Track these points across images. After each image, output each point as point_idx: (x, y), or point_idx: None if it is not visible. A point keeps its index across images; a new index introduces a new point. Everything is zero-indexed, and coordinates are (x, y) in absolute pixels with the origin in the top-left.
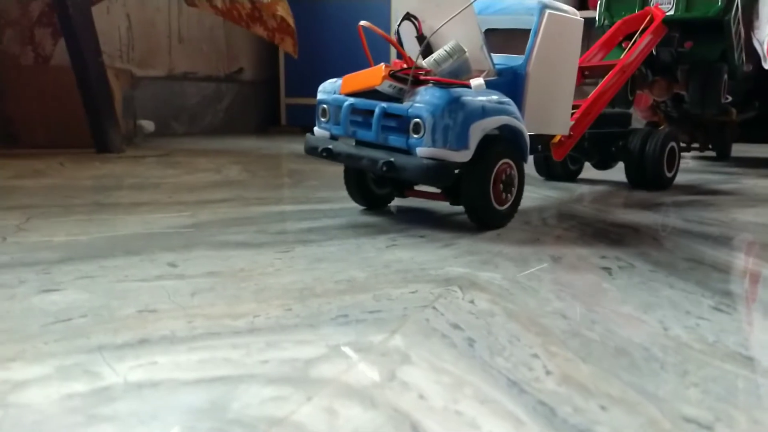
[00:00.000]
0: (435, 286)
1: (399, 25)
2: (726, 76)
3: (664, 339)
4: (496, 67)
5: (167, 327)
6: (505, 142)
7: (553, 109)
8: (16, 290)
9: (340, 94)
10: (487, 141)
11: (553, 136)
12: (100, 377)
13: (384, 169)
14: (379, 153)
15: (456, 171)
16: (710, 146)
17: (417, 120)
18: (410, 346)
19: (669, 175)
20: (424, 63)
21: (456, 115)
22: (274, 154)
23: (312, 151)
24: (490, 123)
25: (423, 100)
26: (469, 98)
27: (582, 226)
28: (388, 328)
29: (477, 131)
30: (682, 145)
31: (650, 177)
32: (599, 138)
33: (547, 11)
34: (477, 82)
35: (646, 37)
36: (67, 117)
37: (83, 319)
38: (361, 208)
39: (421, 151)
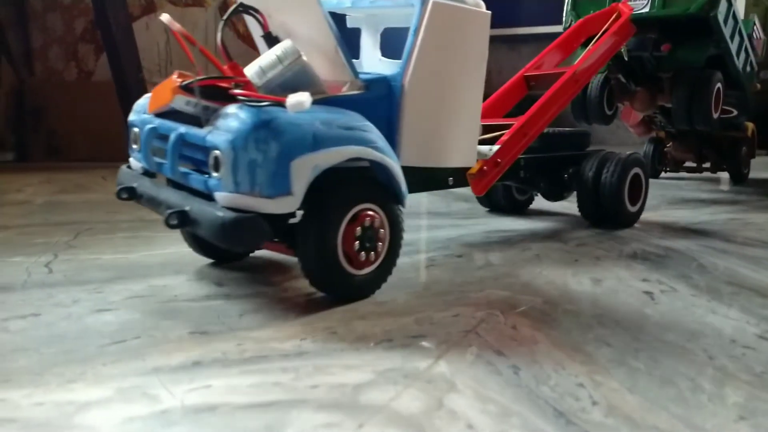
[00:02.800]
0: (476, 310)
1: (225, 22)
2: (719, 86)
3: (710, 369)
4: (364, 77)
5: (219, 349)
6: (364, 182)
7: (445, 134)
8: (71, 310)
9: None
10: (337, 179)
11: (462, 169)
12: (158, 400)
13: (173, 222)
14: (178, 198)
15: (270, 228)
16: (724, 167)
17: (216, 152)
18: (455, 373)
19: (632, 209)
20: (246, 71)
21: (267, 147)
22: None
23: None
24: (328, 157)
25: (223, 125)
26: (289, 122)
27: (621, 246)
28: (432, 353)
29: (304, 169)
30: (691, 165)
31: (607, 211)
32: (544, 164)
33: (432, 2)
34: (295, 99)
35: (608, 39)
36: (107, 131)
37: (137, 341)
38: None
39: (220, 197)
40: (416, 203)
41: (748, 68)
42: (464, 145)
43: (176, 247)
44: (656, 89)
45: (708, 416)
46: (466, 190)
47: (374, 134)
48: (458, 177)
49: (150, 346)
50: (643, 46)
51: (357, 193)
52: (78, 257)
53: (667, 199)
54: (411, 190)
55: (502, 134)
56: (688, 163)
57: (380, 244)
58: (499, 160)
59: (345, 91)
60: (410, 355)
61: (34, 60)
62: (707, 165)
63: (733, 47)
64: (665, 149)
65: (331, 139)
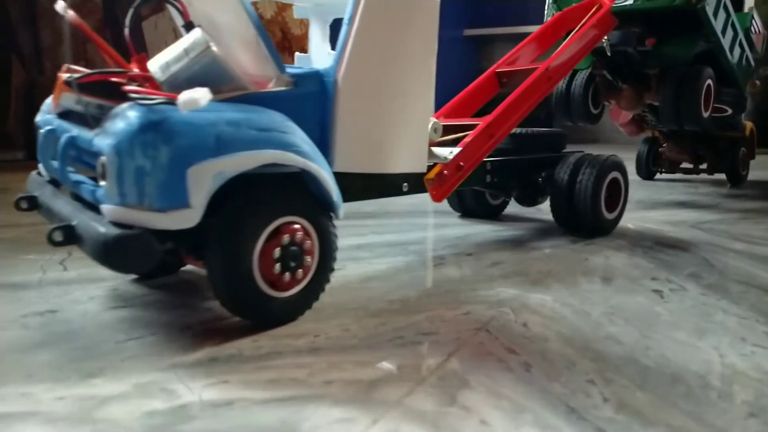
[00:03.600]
0: (487, 308)
1: (135, 10)
2: (709, 83)
3: (720, 367)
4: (293, 71)
5: (234, 346)
6: (289, 191)
7: (388, 136)
8: (87, 306)
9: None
10: (256, 187)
11: (419, 174)
12: (176, 395)
13: (57, 239)
14: (70, 210)
15: (162, 248)
16: (722, 168)
17: (102, 158)
18: (467, 370)
19: (609, 216)
20: (149, 66)
21: (156, 152)
22: None
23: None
24: (236, 163)
25: (110, 128)
26: (186, 123)
27: (631, 245)
28: (444, 351)
29: (204, 177)
30: (688, 166)
31: (582, 218)
32: (514, 167)
33: None
34: (188, 96)
35: (586, 32)
36: None
37: (153, 337)
38: (409, 222)
39: (105, 210)
40: (422, 202)
41: (744, 64)
42: (411, 148)
43: None
44: (643, 87)
45: (718, 413)
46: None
47: (297, 136)
48: (414, 182)
49: (166, 342)
50: (627, 41)
51: (278, 204)
52: None
53: (673, 200)
54: (360, 198)
55: (467, 135)
56: (684, 165)
57: (308, 260)
58: (461, 163)
59: (271, 87)
60: (422, 352)
61: (44, 59)
62: (704, 166)
63: (726, 41)
64: (660, 150)
65: (240, 143)
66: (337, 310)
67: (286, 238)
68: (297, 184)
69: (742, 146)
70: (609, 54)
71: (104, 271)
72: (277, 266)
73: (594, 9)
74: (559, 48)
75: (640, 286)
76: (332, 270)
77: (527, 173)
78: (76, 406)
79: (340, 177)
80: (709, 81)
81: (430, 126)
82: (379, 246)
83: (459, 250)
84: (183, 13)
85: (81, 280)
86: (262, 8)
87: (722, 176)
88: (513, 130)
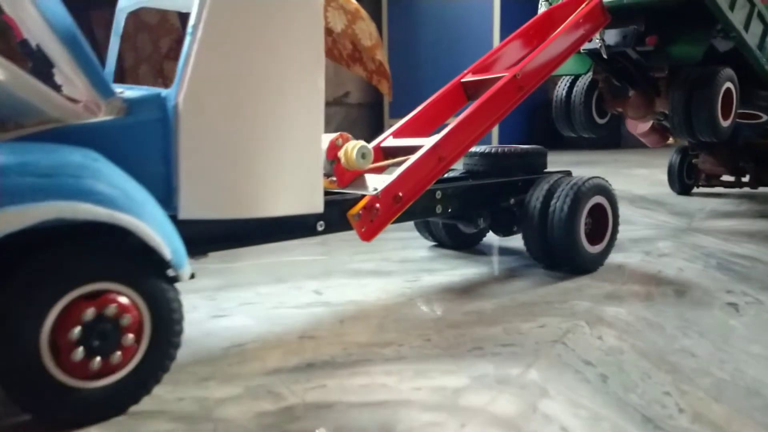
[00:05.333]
0: (562, 321)
1: None
2: (728, 86)
3: None
4: (128, 96)
5: (327, 353)
6: (101, 248)
7: (256, 172)
8: (192, 315)
9: None
10: (49, 246)
11: (341, 207)
12: (282, 398)
13: None
14: None
15: None
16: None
17: None
18: (546, 380)
19: (592, 250)
20: None
21: None
22: None
23: None
24: (2, 221)
25: None
26: None
27: (705, 257)
28: (523, 362)
29: None
30: (729, 179)
31: (557, 252)
32: (475, 193)
33: None
34: None
35: (569, 31)
36: None
37: (254, 344)
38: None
39: None
40: None
41: None
42: (294, 185)
43: (273, 257)
44: (654, 92)
45: None
46: None
47: (99, 180)
48: (333, 219)
49: (266, 348)
50: (624, 41)
51: (78, 268)
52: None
53: (746, 210)
54: (255, 242)
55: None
56: (724, 177)
57: (129, 339)
58: (399, 194)
59: (103, 114)
60: (501, 362)
61: (126, 78)
62: (747, 179)
63: (750, 37)
64: (694, 161)
65: (9, 195)
66: (418, 320)
67: (89, 312)
68: (118, 239)
69: None
70: (605, 56)
71: (202, 282)
72: (80, 350)
73: (585, 4)
74: (534, 50)
75: (715, 299)
76: (177, 346)
77: (493, 199)
78: (195, 406)
79: (196, 225)
80: (729, 84)
81: (355, 150)
82: (451, 257)
83: (530, 262)
84: (14, 30)
85: (182, 290)
86: (332, 21)
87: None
88: (484, 149)
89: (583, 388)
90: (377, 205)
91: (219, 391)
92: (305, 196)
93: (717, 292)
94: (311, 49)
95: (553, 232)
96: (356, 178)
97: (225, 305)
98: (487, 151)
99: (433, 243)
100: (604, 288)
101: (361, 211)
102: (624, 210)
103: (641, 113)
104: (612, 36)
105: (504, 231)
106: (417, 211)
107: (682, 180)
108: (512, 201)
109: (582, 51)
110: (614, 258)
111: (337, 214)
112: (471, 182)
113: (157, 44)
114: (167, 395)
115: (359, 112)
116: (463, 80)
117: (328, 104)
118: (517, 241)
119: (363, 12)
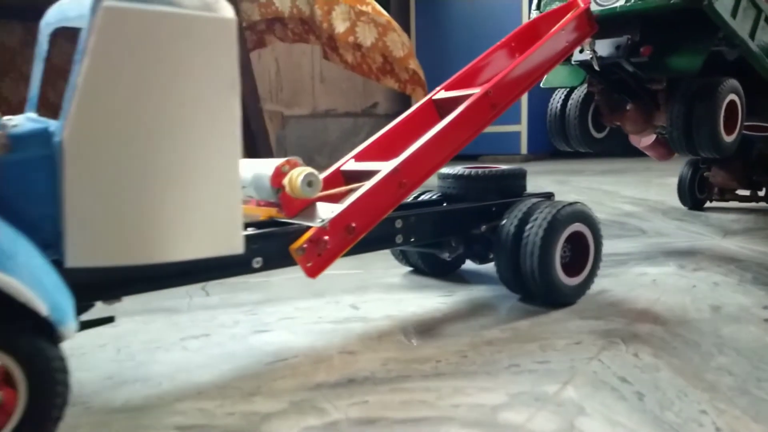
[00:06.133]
0: (597, 338)
1: None
2: (732, 98)
3: None
4: (15, 131)
5: (367, 369)
6: None
7: (159, 212)
8: (234, 330)
9: None
10: None
11: (283, 241)
12: (326, 413)
13: None
14: None
15: None
16: None
17: None
18: (583, 398)
19: (569, 281)
20: None
21: None
22: None
23: None
24: None
25: None
26: None
27: (740, 270)
28: (559, 379)
29: None
30: (743, 193)
31: (530, 283)
32: (441, 220)
33: (105, 7)
34: None
35: (552, 40)
36: None
37: (296, 359)
38: None
39: None
40: None
41: None
42: (204, 225)
43: None
44: (653, 105)
45: None
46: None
47: None
48: (273, 254)
49: (308, 363)
50: (617, 51)
51: None
52: (228, 280)
53: None
54: (175, 283)
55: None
56: (739, 191)
57: (9, 421)
58: (352, 224)
59: None
60: (538, 379)
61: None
62: (762, 193)
63: (755, 45)
64: (705, 174)
65: None
66: (454, 337)
67: None
68: None
69: None
70: (597, 68)
71: (242, 297)
72: None
73: (571, 12)
74: (509, 65)
75: (751, 315)
76: (57, 419)
77: (465, 226)
78: (244, 420)
79: (103, 269)
80: (732, 96)
81: (300, 178)
82: (483, 274)
83: None
84: None
85: (224, 305)
86: (361, 36)
87: None
88: (458, 171)
89: (620, 406)
90: (325, 237)
91: (265, 406)
92: (220, 237)
93: (753, 308)
94: (223, 74)
95: (525, 261)
96: (307, 207)
97: (266, 320)
98: (460, 173)
99: (410, 268)
100: (638, 303)
101: (305, 245)
102: (658, 222)
103: (640, 127)
104: (604, 46)
105: (480, 258)
106: (374, 241)
107: (693, 194)
108: (483, 228)
109: (573, 62)
110: (648, 272)
111: (277, 249)
112: (437, 208)
113: None
114: (217, 410)
115: (387, 123)
116: (434, 97)
117: (356, 115)
118: None
119: (395, 23)
